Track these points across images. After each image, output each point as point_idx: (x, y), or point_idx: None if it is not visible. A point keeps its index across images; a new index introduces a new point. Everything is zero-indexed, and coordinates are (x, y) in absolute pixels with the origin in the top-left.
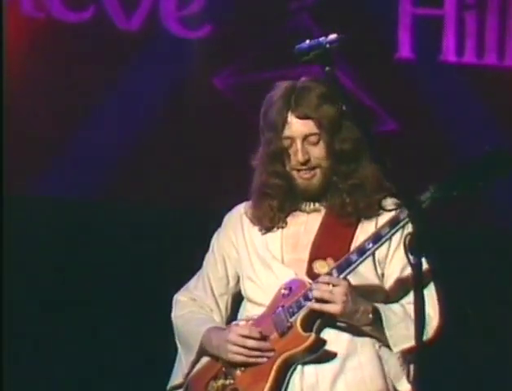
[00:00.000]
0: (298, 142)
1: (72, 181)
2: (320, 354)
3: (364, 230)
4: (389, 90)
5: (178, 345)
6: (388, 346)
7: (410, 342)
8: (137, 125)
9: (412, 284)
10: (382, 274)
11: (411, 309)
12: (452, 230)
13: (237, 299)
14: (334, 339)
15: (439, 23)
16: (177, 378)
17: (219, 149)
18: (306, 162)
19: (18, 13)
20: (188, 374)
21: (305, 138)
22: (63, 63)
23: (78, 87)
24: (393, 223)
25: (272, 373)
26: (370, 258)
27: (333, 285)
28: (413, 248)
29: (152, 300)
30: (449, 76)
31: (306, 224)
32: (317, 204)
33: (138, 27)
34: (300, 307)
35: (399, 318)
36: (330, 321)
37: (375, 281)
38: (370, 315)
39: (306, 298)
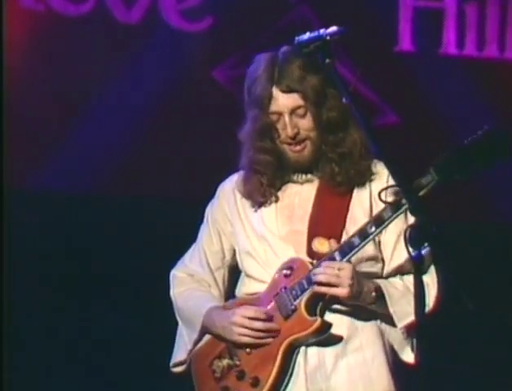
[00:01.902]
0: (286, 117)
1: (71, 175)
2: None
3: (359, 200)
4: (389, 82)
5: (180, 322)
6: (391, 321)
7: (413, 316)
8: (137, 118)
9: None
10: (379, 242)
11: (409, 280)
12: (452, 223)
13: (233, 272)
14: (335, 321)
15: (439, 15)
16: (180, 354)
17: (219, 142)
18: (295, 136)
19: (17, 5)
20: (192, 350)
21: (292, 111)
22: (62, 55)
23: (78, 80)
24: (396, 207)
25: (279, 356)
26: None
27: (339, 269)
28: (413, 239)
29: (151, 292)
30: (450, 68)
31: (299, 195)
32: (309, 175)
33: (138, 20)
34: (303, 290)
35: (400, 293)
36: (332, 302)
37: (372, 250)
38: (373, 293)
39: (309, 281)
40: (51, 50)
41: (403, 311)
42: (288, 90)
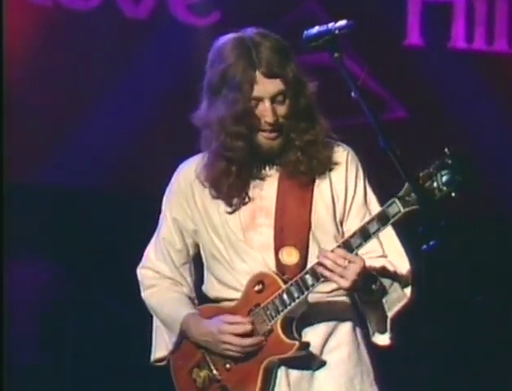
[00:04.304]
0: (267, 103)
1: (71, 169)
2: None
3: (320, 194)
4: (398, 77)
5: (158, 320)
6: (377, 308)
7: (401, 302)
8: (143, 113)
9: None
10: (343, 232)
11: (388, 264)
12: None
13: (197, 259)
14: (311, 329)
15: (448, 9)
16: (161, 350)
17: None
18: (275, 122)
19: (24, 0)
20: (173, 351)
21: (273, 97)
22: (69, 51)
23: (83, 75)
24: (383, 220)
25: (260, 375)
26: (331, 220)
27: (349, 262)
28: (423, 233)
29: None
30: (459, 63)
31: (261, 190)
32: (270, 167)
33: (146, 15)
34: (278, 312)
35: (389, 283)
36: (307, 320)
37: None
38: (373, 286)
39: (283, 302)
40: (58, 45)
41: (392, 299)
42: (271, 75)
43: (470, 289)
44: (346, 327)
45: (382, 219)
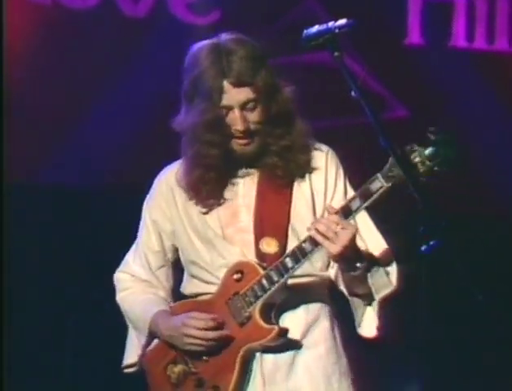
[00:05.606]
0: (237, 111)
1: (71, 169)
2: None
3: (300, 192)
4: (398, 76)
5: (129, 324)
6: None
7: (388, 289)
8: (141, 113)
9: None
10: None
11: (370, 251)
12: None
13: (177, 266)
14: (289, 321)
15: (449, 8)
16: (131, 356)
17: None
18: (246, 130)
19: None
20: (142, 355)
21: (243, 105)
22: (68, 50)
23: (83, 74)
24: (364, 197)
25: (237, 364)
26: (311, 213)
27: (342, 228)
28: (423, 233)
29: None
30: (459, 62)
31: (241, 191)
32: (249, 169)
33: (145, 13)
34: (257, 297)
35: (373, 265)
36: (286, 307)
37: None
38: (358, 264)
39: (262, 288)
40: (57, 44)
41: (380, 283)
42: (239, 84)
43: (470, 288)
44: (323, 325)
45: (365, 195)
